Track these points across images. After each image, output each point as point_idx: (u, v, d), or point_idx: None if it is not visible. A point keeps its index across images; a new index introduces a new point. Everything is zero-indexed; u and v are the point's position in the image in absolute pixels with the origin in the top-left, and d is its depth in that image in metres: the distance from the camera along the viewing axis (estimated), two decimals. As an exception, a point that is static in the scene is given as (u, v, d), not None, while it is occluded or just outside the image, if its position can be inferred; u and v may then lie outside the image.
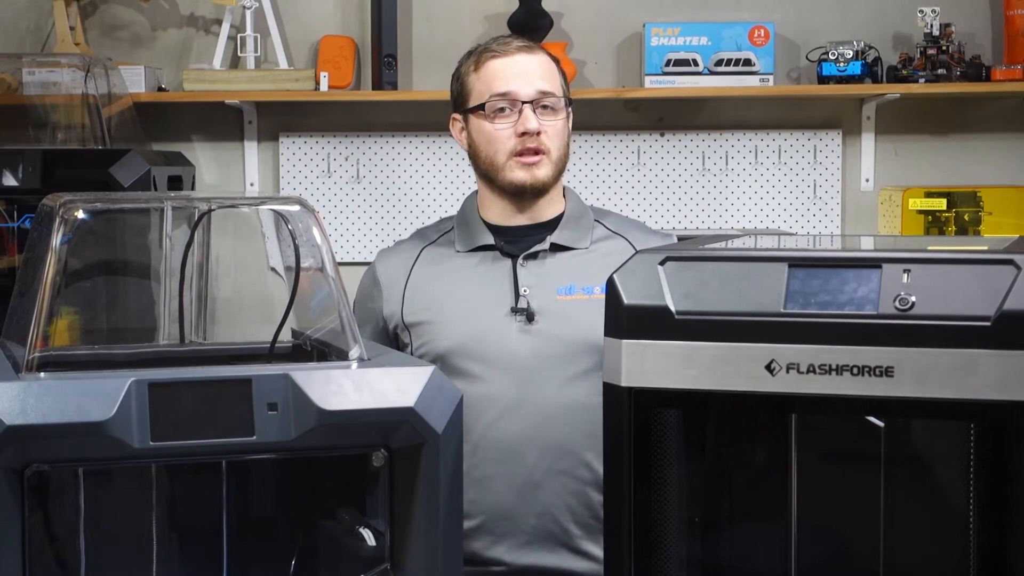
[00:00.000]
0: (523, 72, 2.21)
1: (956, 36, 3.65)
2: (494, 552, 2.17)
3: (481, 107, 2.21)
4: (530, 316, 2.18)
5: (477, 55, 2.26)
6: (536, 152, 2.20)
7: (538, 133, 2.19)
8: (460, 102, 2.28)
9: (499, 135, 2.20)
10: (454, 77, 2.31)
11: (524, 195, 2.23)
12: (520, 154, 2.20)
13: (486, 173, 2.25)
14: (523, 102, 2.19)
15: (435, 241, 2.32)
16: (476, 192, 2.33)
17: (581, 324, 2.14)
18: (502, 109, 2.20)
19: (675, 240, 2.31)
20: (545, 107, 2.21)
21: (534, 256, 2.23)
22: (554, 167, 2.23)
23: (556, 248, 2.24)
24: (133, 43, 3.83)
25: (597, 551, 2.13)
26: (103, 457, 1.48)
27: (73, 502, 1.58)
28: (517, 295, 2.20)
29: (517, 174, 2.20)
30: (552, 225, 2.27)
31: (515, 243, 2.25)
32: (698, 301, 1.49)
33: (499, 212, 2.27)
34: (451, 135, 2.34)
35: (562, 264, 2.23)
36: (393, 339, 2.28)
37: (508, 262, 2.23)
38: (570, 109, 2.27)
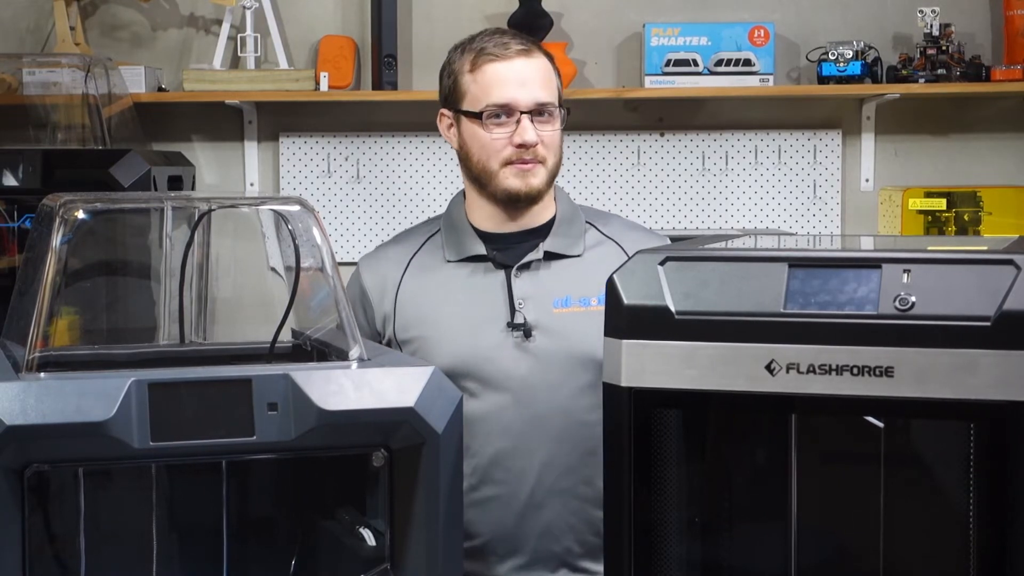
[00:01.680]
0: (522, 81, 2.14)
1: (956, 36, 3.65)
2: (495, 573, 2.15)
3: (477, 115, 2.14)
4: (527, 332, 2.12)
5: (474, 54, 2.17)
6: (531, 161, 2.14)
7: (535, 144, 2.13)
8: (452, 100, 2.20)
9: (494, 143, 2.13)
10: (445, 72, 2.23)
11: (516, 203, 2.17)
12: (514, 163, 2.14)
13: (478, 178, 2.18)
14: (521, 112, 2.12)
15: (423, 247, 2.24)
16: (462, 192, 2.27)
17: (579, 338, 2.10)
18: (498, 116, 2.13)
19: (668, 242, 2.28)
20: (542, 116, 2.15)
21: (527, 266, 2.17)
22: (548, 175, 2.17)
23: (549, 256, 2.18)
24: (133, 43, 3.83)
25: (597, 568, 2.12)
26: (103, 457, 1.49)
27: (73, 502, 1.58)
28: (513, 309, 2.14)
29: (511, 182, 2.14)
30: (543, 231, 2.21)
31: (507, 252, 2.18)
32: (698, 301, 1.49)
33: (489, 218, 2.21)
34: None
35: (556, 274, 2.17)
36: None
37: (501, 274, 2.17)
38: (564, 111, 2.19)
